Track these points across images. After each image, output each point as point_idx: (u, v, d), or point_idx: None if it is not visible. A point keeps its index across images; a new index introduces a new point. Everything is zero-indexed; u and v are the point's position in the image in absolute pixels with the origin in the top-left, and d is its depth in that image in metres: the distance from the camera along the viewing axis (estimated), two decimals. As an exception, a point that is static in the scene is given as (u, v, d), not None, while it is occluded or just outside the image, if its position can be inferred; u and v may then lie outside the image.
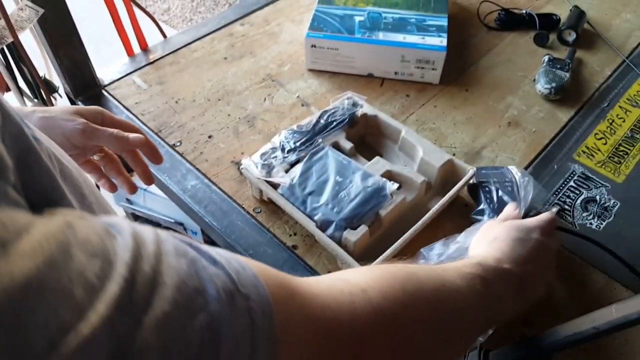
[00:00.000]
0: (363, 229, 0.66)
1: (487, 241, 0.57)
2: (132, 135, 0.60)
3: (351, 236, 0.66)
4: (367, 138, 0.85)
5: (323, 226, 0.67)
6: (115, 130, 0.59)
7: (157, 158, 0.64)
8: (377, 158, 0.76)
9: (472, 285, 0.44)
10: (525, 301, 0.54)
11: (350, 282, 0.36)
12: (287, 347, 0.28)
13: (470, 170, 0.75)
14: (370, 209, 0.69)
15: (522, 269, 0.52)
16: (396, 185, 0.71)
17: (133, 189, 0.67)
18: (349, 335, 0.32)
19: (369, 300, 0.34)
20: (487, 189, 0.72)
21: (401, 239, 0.66)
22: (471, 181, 0.75)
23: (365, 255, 0.65)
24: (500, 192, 0.71)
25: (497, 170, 0.75)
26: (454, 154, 0.79)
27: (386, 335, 0.34)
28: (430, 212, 0.70)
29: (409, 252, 0.66)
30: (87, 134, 0.57)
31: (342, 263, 0.67)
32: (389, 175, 0.74)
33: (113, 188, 0.68)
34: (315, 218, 0.68)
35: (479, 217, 0.71)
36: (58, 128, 0.56)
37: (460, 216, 0.74)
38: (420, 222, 0.68)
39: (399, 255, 0.66)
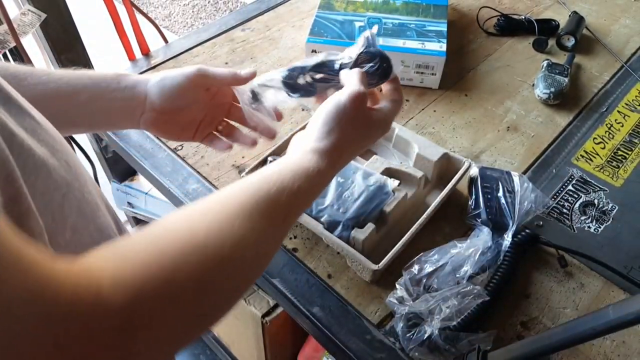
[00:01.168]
0: (370, 226, 0.67)
1: (336, 127, 0.52)
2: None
3: (359, 235, 0.66)
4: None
5: (330, 227, 0.68)
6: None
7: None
8: (374, 157, 0.77)
9: (311, 179, 0.46)
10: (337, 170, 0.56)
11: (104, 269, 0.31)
12: None
13: (466, 162, 0.76)
14: (375, 206, 0.69)
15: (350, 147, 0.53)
16: (397, 182, 0.72)
17: (254, 143, 0.71)
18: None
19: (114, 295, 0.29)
20: (488, 195, 0.73)
21: (407, 234, 0.67)
22: (477, 181, 0.75)
23: (374, 251, 0.66)
24: (501, 198, 0.71)
25: (500, 172, 0.75)
26: (453, 158, 0.80)
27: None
28: (433, 205, 0.71)
29: (410, 249, 0.67)
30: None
31: (353, 262, 0.67)
32: (389, 173, 0.75)
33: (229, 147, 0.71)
34: (322, 220, 0.68)
35: (476, 220, 0.71)
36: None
37: (458, 219, 0.75)
38: (424, 216, 0.70)
39: (403, 252, 0.67)
